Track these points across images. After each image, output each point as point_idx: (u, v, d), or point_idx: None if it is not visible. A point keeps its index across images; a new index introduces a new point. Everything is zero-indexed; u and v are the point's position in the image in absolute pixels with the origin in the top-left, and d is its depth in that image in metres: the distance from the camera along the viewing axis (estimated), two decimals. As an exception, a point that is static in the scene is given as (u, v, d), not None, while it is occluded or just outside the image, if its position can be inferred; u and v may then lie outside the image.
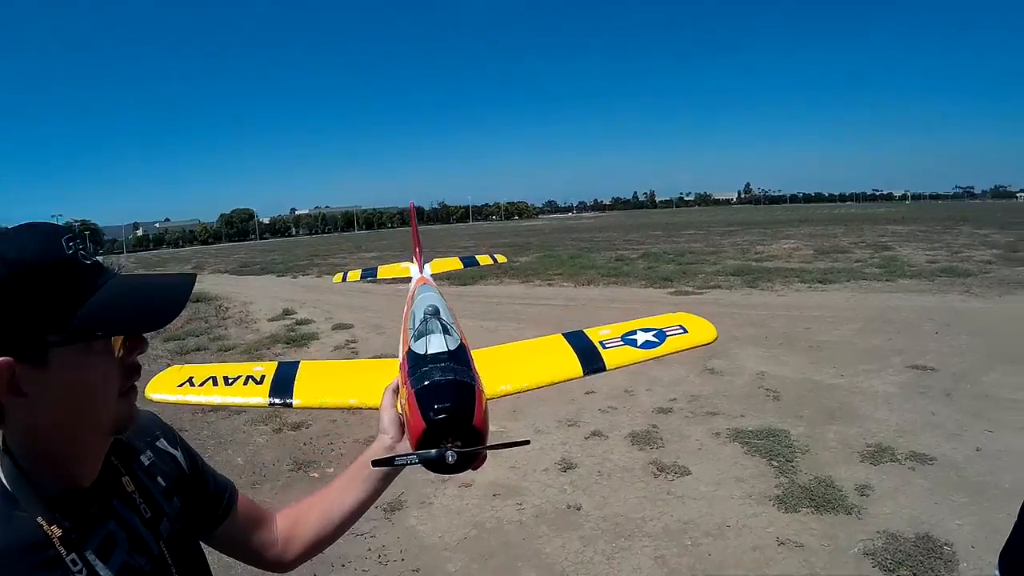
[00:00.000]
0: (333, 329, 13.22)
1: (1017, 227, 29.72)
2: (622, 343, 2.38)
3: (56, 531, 0.91)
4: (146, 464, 1.13)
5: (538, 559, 4.53)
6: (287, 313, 15.82)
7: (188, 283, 1.05)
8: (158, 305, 0.99)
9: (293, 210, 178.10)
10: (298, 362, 2.46)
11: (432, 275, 3.77)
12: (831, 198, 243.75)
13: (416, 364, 1.70)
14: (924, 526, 4.45)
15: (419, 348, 1.77)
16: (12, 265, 0.86)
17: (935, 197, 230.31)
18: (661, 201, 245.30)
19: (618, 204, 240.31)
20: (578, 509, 5.16)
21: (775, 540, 4.46)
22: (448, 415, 1.46)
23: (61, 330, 0.89)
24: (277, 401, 2.27)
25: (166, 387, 2.36)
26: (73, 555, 0.92)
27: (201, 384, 2.37)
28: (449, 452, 1.39)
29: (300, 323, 14.26)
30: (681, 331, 2.43)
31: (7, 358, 0.86)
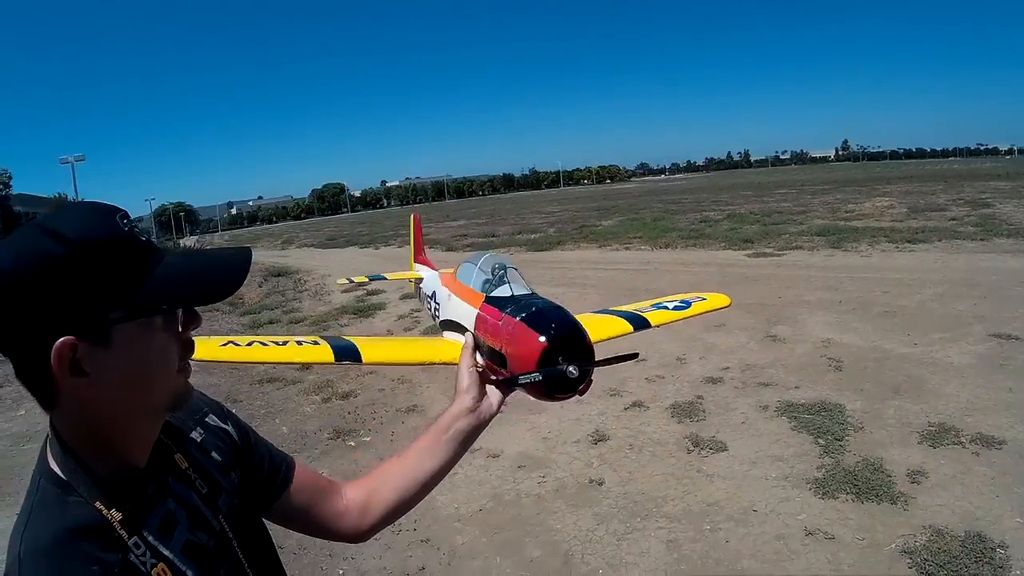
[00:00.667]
0: (400, 299, 13.12)
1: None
2: (653, 309, 3.07)
3: (115, 515, 0.88)
4: (199, 440, 1.11)
5: (547, 535, 4.32)
6: (360, 285, 15.87)
7: (245, 256, 1.02)
8: (218, 278, 0.98)
9: (384, 182, 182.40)
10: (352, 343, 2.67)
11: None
12: (932, 154, 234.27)
13: (507, 303, 1.84)
14: (978, 523, 3.95)
15: (503, 292, 2.01)
16: (72, 243, 0.84)
17: None
18: (756, 160, 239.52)
19: (712, 165, 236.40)
20: (600, 484, 4.90)
21: (803, 529, 4.08)
22: (568, 332, 1.59)
23: (125, 306, 0.87)
24: (346, 360, 2.57)
25: (209, 350, 2.46)
26: (135, 538, 0.90)
27: (248, 345, 2.54)
28: (571, 367, 1.44)
29: (371, 294, 14.35)
30: (701, 299, 3.31)
31: (70, 337, 0.83)
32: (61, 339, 0.82)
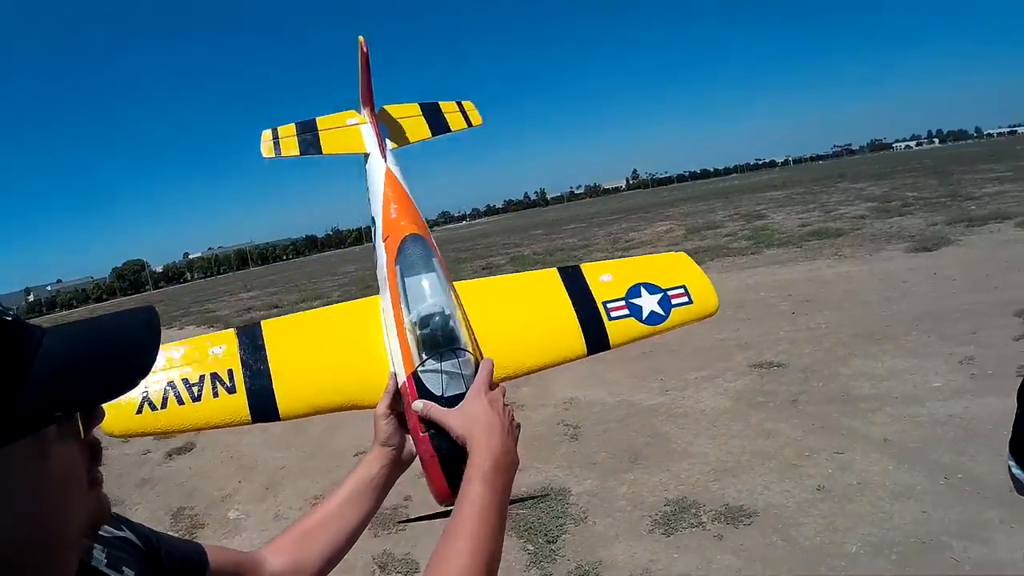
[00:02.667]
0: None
1: (891, 176, 29.35)
2: (628, 314, 1.81)
3: None
4: (105, 562, 0.86)
5: None
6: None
7: (148, 318, 0.76)
8: (125, 354, 0.71)
9: (186, 254, 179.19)
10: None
11: None
12: (716, 173, 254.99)
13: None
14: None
15: (433, 383, 1.38)
16: None
17: (815, 158, 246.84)
18: (553, 197, 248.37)
19: (511, 206, 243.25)
20: None
21: None
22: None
23: (4, 424, 0.58)
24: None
25: (123, 420, 1.60)
26: None
27: (163, 404, 1.63)
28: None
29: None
30: (686, 299, 1.87)
31: None
32: None
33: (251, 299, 30.06)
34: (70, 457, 0.67)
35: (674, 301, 1.86)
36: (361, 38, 2.06)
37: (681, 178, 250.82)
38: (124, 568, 0.89)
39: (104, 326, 0.75)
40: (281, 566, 1.21)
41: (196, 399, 1.67)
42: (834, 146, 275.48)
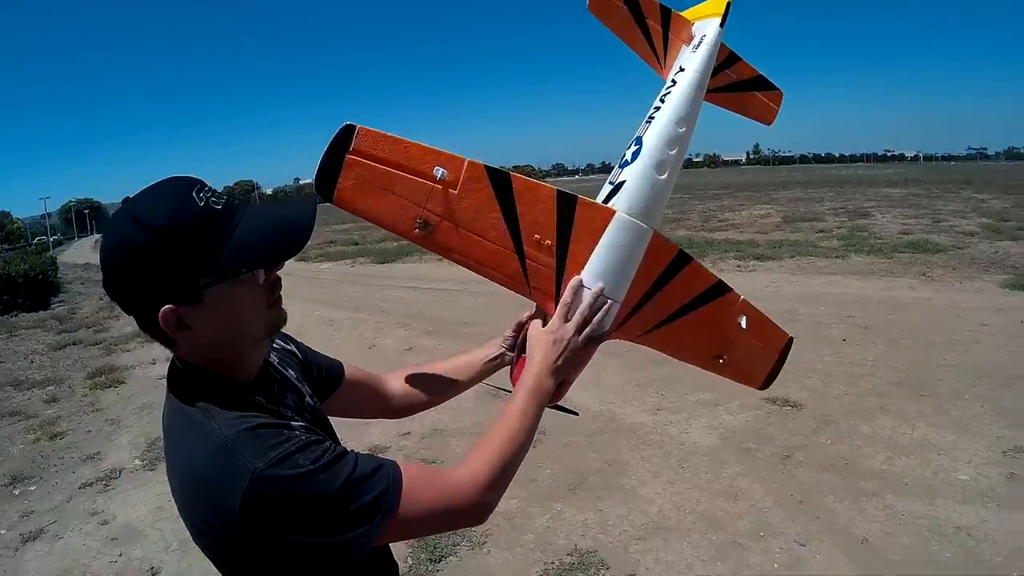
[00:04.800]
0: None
1: (1019, 191, 26.76)
2: None
3: (262, 400, 1.20)
4: (276, 362, 1.38)
5: None
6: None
7: (311, 207, 1.19)
8: (289, 235, 1.15)
9: (297, 179, 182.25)
10: None
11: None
12: (842, 159, 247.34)
13: None
14: None
15: None
16: (155, 230, 1.03)
17: (947, 158, 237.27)
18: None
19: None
20: None
21: None
22: None
23: (210, 272, 1.07)
24: None
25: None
26: (280, 407, 1.24)
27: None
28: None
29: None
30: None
31: (170, 306, 1.06)
32: (163, 308, 1.06)
33: (345, 230, 30.25)
34: (252, 291, 1.13)
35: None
36: None
37: (804, 159, 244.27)
38: (288, 369, 1.41)
39: (282, 213, 1.20)
40: (397, 390, 1.69)
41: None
42: (968, 147, 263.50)
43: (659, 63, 1.73)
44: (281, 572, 1.07)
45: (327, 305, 12.23)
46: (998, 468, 4.52)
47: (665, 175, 1.48)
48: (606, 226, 1.43)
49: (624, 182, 1.48)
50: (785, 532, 3.91)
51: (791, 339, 1.70)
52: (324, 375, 1.55)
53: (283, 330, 1.34)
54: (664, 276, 1.54)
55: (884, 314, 8.61)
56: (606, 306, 1.42)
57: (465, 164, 1.36)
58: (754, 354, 1.69)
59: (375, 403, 1.66)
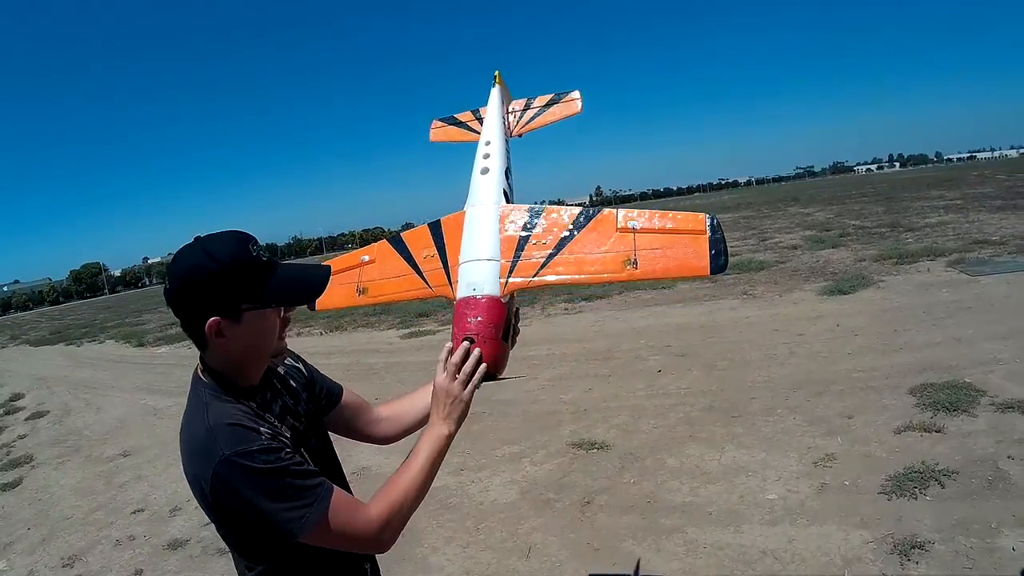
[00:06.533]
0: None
1: (841, 201, 28.48)
2: None
3: (251, 405, 1.48)
4: (282, 373, 1.70)
5: None
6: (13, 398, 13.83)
7: (326, 273, 1.60)
8: (308, 287, 1.55)
9: (146, 259, 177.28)
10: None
11: None
12: (679, 191, 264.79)
13: None
14: None
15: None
16: (222, 263, 1.38)
17: (778, 179, 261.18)
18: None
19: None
20: None
21: None
22: None
23: (252, 301, 1.43)
24: None
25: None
26: (267, 414, 1.51)
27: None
28: None
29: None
30: None
31: (217, 318, 1.39)
32: (212, 318, 1.39)
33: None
34: (273, 323, 1.48)
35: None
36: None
37: (644, 196, 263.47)
38: (293, 381, 1.70)
39: (303, 271, 1.57)
40: (384, 416, 1.94)
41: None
42: (796, 167, 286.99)
43: (478, 133, 2.37)
44: (238, 533, 1.43)
45: (155, 393, 11.44)
46: (808, 481, 4.26)
47: (486, 176, 1.99)
48: (463, 219, 1.89)
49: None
50: (577, 584, 3.44)
51: (713, 216, 1.68)
52: (324, 392, 1.82)
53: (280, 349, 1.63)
54: (527, 225, 1.82)
55: (703, 338, 8.49)
56: (475, 353, 1.63)
57: (377, 246, 2.04)
58: (676, 245, 1.66)
59: (364, 425, 1.91)
